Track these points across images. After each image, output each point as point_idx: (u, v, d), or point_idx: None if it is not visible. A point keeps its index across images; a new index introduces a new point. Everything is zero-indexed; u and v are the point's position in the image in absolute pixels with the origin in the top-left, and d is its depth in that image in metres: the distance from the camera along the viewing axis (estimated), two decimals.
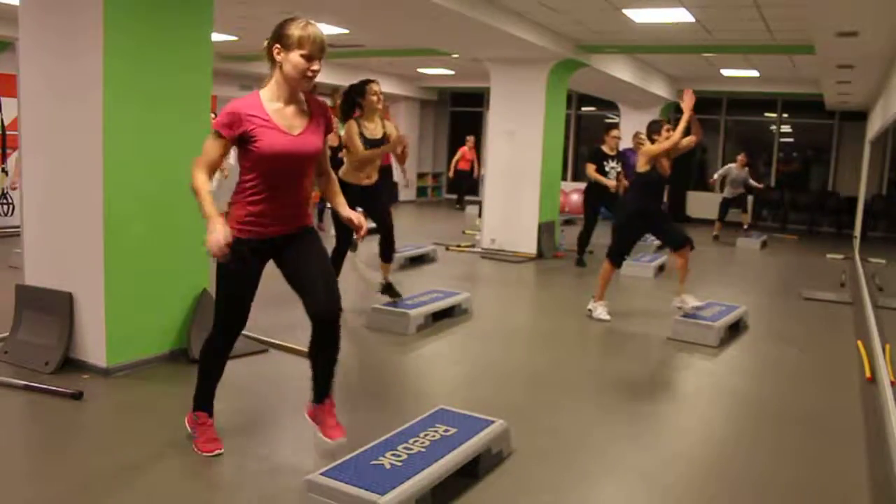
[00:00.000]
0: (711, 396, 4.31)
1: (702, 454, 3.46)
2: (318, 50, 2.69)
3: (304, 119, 2.81)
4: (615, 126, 8.42)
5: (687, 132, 5.58)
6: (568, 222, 12.93)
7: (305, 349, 4.43)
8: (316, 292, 2.84)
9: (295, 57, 2.67)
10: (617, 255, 5.77)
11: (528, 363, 4.83)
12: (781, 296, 7.39)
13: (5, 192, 9.15)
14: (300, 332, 4.53)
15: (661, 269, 8.23)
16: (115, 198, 3.88)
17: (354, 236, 3.07)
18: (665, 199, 5.72)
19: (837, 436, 3.69)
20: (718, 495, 3.00)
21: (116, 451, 3.10)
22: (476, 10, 6.50)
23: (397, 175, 10.76)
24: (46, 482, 2.82)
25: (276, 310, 5.46)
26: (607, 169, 8.10)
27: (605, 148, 8.17)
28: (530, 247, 9.03)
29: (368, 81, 5.24)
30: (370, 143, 5.19)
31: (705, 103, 14.81)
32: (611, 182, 8.01)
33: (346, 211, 3.01)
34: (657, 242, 9.89)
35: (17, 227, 4.75)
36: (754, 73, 11.77)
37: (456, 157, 14.56)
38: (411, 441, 2.90)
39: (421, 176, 17.16)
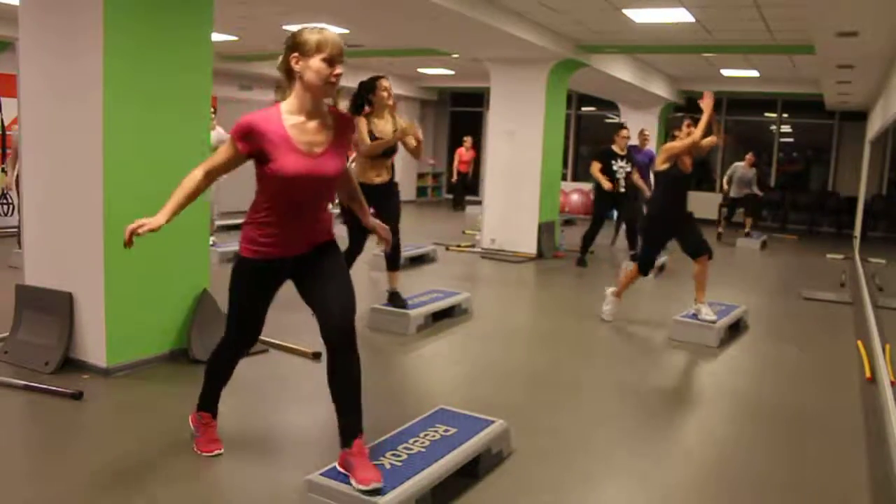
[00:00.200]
0: (711, 396, 4.31)
1: (702, 454, 3.46)
2: (338, 53, 2.56)
3: (326, 136, 2.64)
4: (624, 126, 8.41)
5: (708, 132, 5.45)
6: (568, 222, 12.94)
7: (305, 349, 4.47)
8: (329, 308, 2.66)
9: (316, 62, 2.53)
10: (645, 264, 5.57)
11: (528, 363, 4.82)
12: (781, 296, 7.39)
13: (5, 192, 9.15)
14: (300, 332, 4.55)
15: (661, 269, 8.23)
16: (115, 198, 3.88)
17: (379, 247, 2.99)
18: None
19: (837, 436, 3.69)
20: (718, 495, 3.00)
21: (116, 451, 3.10)
22: (476, 10, 6.50)
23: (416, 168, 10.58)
24: (46, 482, 2.82)
25: (277, 310, 5.44)
26: (615, 168, 8.10)
27: (615, 148, 8.18)
28: (530, 247, 9.03)
29: (378, 77, 5.16)
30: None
31: None
32: (607, 183, 8.04)
33: (372, 222, 3.03)
34: None
35: (17, 227, 4.75)
36: (754, 73, 11.77)
37: (455, 161, 14.56)
38: (411, 441, 2.90)
39: (421, 176, 17.16)
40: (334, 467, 2.65)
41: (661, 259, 8.36)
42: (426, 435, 2.97)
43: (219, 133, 8.02)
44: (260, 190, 2.68)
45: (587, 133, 16.50)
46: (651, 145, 10.22)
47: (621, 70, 10.36)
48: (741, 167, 11.25)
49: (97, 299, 3.91)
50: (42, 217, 4.16)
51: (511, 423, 3.25)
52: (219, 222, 8.71)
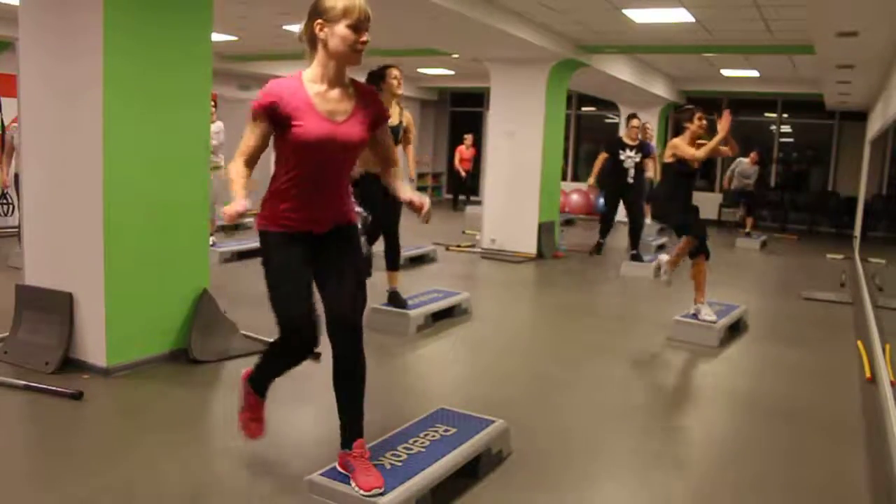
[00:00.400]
0: (711, 396, 4.31)
1: (701, 454, 3.46)
2: (365, 18, 2.45)
3: (348, 105, 2.54)
4: (635, 115, 8.44)
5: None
6: (568, 222, 12.94)
7: None
8: (339, 294, 2.58)
9: (342, 29, 2.42)
10: (698, 249, 5.39)
11: (528, 363, 4.82)
12: (781, 296, 7.39)
13: (5, 192, 9.14)
14: None
15: (660, 268, 8.22)
16: (115, 198, 3.88)
17: (419, 216, 2.67)
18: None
19: (837, 436, 3.69)
20: (718, 495, 3.00)
21: (116, 450, 3.10)
22: (476, 10, 6.50)
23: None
24: (46, 482, 2.82)
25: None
26: (622, 158, 8.13)
27: (625, 138, 8.23)
28: (530, 247, 9.03)
29: (389, 66, 5.19)
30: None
31: (706, 103, 14.81)
32: (590, 179, 8.38)
33: (406, 193, 2.70)
34: (657, 242, 9.91)
35: (17, 226, 4.75)
36: (754, 73, 11.77)
37: (456, 159, 14.53)
38: (411, 441, 2.90)
39: (421, 176, 17.14)
40: (334, 467, 2.65)
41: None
42: (426, 435, 2.97)
43: (218, 126, 8.01)
44: (280, 160, 2.56)
45: (587, 133, 16.50)
46: (652, 143, 10.23)
47: (621, 70, 10.36)
48: (744, 163, 11.29)
49: (97, 299, 3.91)
50: (42, 217, 4.16)
51: (511, 423, 3.24)
52: (219, 222, 8.70)
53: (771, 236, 12.18)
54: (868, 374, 4.63)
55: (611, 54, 9.68)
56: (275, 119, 2.47)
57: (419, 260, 8.18)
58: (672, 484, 3.08)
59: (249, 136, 2.51)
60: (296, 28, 2.60)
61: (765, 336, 5.70)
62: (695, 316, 5.37)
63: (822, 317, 6.49)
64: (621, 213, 8.73)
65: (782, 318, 6.43)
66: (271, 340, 2.79)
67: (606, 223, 8.71)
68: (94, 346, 3.98)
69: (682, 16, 7.03)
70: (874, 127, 10.42)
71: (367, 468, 2.55)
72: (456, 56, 10.51)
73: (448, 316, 5.62)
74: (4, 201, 9.33)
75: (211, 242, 6.29)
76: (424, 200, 2.64)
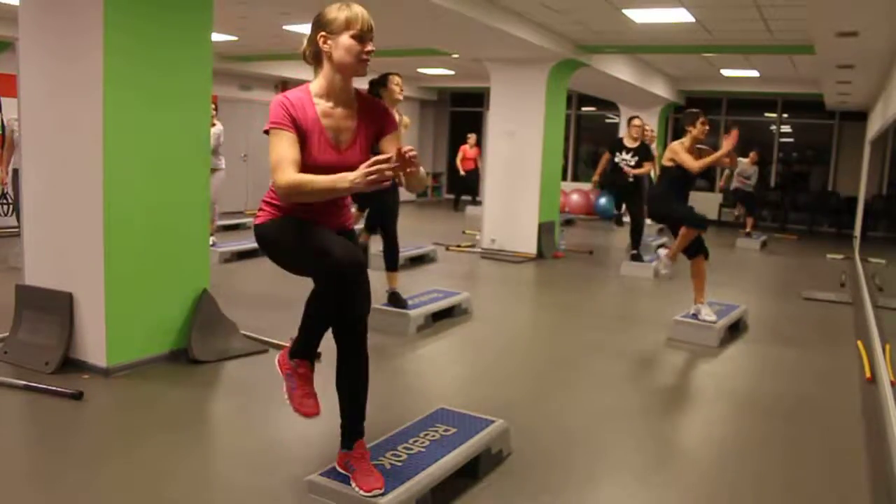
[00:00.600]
0: (711, 396, 4.31)
1: (701, 454, 3.46)
2: (368, 29, 2.45)
3: (352, 124, 2.53)
4: (637, 116, 8.44)
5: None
6: (568, 222, 12.94)
7: None
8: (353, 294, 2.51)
9: (346, 40, 2.42)
10: (696, 249, 5.38)
11: (528, 363, 4.83)
12: (781, 296, 7.39)
13: (5, 192, 9.15)
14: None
15: (661, 263, 8.22)
16: (115, 198, 3.88)
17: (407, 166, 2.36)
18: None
19: (837, 435, 3.69)
20: (718, 495, 3.00)
21: (116, 451, 3.10)
22: (476, 10, 6.50)
23: None
24: (46, 482, 2.82)
25: (277, 310, 5.47)
26: (617, 160, 8.14)
27: (624, 139, 8.23)
28: (530, 247, 9.03)
29: (391, 74, 5.23)
30: None
31: (705, 103, 14.82)
32: (594, 177, 8.31)
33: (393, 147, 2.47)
34: (657, 242, 9.91)
35: (17, 227, 4.75)
36: (754, 73, 11.77)
37: (459, 157, 14.48)
38: (411, 441, 2.90)
39: None
40: (334, 467, 2.65)
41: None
42: (426, 435, 2.97)
43: (219, 129, 8.02)
44: None
45: (587, 133, 16.50)
46: (653, 145, 10.23)
47: (621, 70, 10.36)
48: (744, 163, 11.28)
49: (97, 299, 3.92)
50: (42, 217, 4.16)
51: (511, 423, 3.25)
52: (219, 222, 8.71)
53: (771, 236, 12.18)
54: (868, 374, 4.63)
55: (611, 54, 9.68)
56: (296, 128, 2.41)
57: (419, 260, 8.18)
58: (672, 484, 3.08)
59: (285, 147, 2.36)
60: (296, 28, 2.59)
61: (765, 336, 5.70)
62: (695, 316, 5.37)
63: (822, 317, 6.49)
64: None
65: (782, 318, 6.43)
66: (308, 298, 2.66)
67: (635, 226, 8.34)
68: (94, 346, 3.98)
69: (682, 16, 7.03)
70: (874, 127, 10.42)
71: (367, 469, 2.56)
72: (456, 56, 10.51)
73: (448, 316, 5.62)
74: (5, 201, 9.33)
75: (211, 242, 6.29)
76: (411, 149, 2.36)
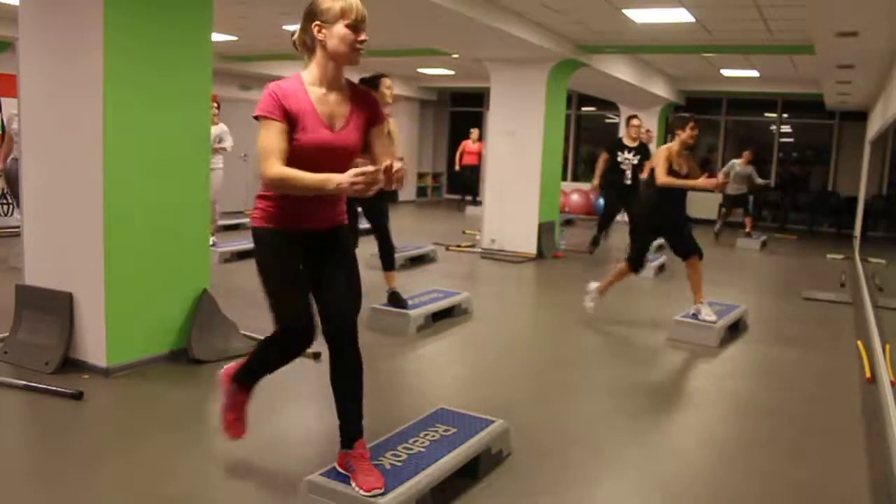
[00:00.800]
0: (711, 397, 4.31)
1: (702, 454, 3.46)
2: (362, 19, 2.48)
3: (346, 109, 2.56)
4: (635, 116, 8.44)
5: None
6: (568, 222, 12.93)
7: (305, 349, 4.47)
8: (333, 304, 2.59)
9: (341, 29, 2.44)
10: (636, 262, 5.59)
11: (528, 363, 4.83)
12: (781, 296, 7.39)
13: (5, 192, 9.15)
14: None
15: (661, 269, 8.24)
16: (115, 198, 3.88)
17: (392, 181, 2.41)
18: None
19: (837, 436, 3.69)
20: (718, 495, 3.00)
21: (116, 451, 3.10)
22: (476, 10, 6.50)
23: None
24: (46, 482, 2.82)
25: None
26: (620, 160, 8.13)
27: (624, 139, 8.22)
28: (530, 247, 9.03)
29: (382, 75, 5.19)
30: None
31: (705, 103, 14.82)
32: (595, 180, 8.28)
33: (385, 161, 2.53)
34: (657, 242, 9.88)
35: (17, 227, 4.75)
36: (754, 73, 11.76)
37: (459, 151, 14.39)
38: (411, 441, 2.90)
39: (421, 176, 17.15)
40: (334, 467, 2.65)
41: (661, 259, 8.38)
42: (426, 435, 2.97)
43: (221, 129, 8.04)
44: None
45: (587, 133, 16.50)
46: (652, 145, 10.24)
47: (621, 70, 10.35)
48: (738, 164, 11.24)
49: (97, 299, 3.92)
50: (42, 217, 4.16)
51: (511, 423, 3.25)
52: (219, 222, 8.71)
53: (771, 236, 12.18)
54: (868, 374, 4.63)
55: (611, 54, 9.68)
56: (287, 121, 2.44)
57: (419, 260, 8.18)
58: (672, 484, 3.08)
59: (271, 139, 2.41)
60: (296, 28, 2.60)
61: (765, 336, 5.70)
62: (695, 316, 5.37)
63: (822, 317, 6.49)
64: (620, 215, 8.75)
65: (782, 318, 6.43)
66: (264, 337, 2.79)
67: (605, 219, 8.75)
68: (94, 346, 3.98)
69: (682, 16, 7.03)
70: (874, 127, 10.42)
71: (367, 468, 2.56)
72: (456, 56, 10.51)
73: (448, 316, 5.62)
74: (5, 201, 9.33)
75: (211, 242, 6.29)
76: (402, 166, 2.42)
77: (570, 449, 3.35)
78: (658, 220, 5.53)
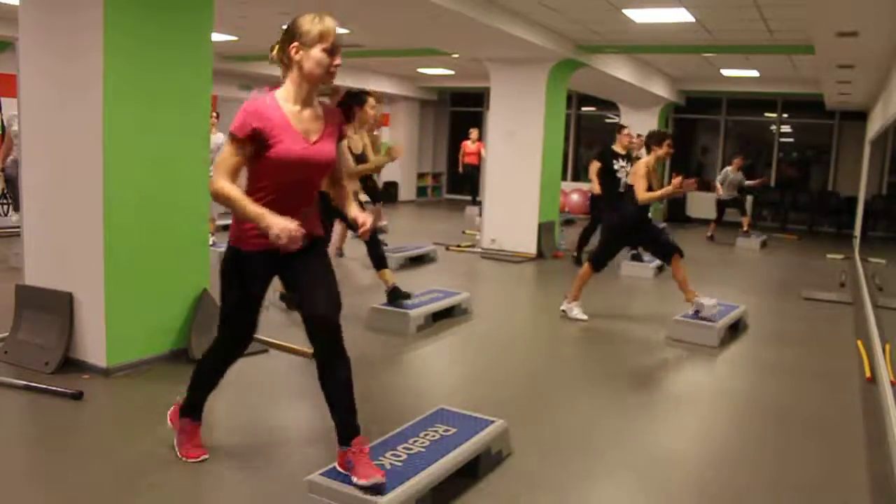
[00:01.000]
0: (711, 396, 4.31)
1: (702, 454, 3.46)
2: (338, 43, 2.58)
3: (319, 125, 2.65)
4: (624, 126, 8.41)
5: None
6: (568, 222, 12.93)
7: (305, 349, 4.47)
8: (314, 296, 2.64)
9: (317, 53, 2.54)
10: (600, 263, 5.75)
11: (528, 363, 4.83)
12: (781, 296, 7.39)
13: (5, 192, 9.14)
14: (299, 332, 4.54)
15: (660, 269, 8.23)
16: (115, 198, 3.88)
17: (357, 233, 2.81)
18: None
19: (837, 436, 3.69)
20: (718, 495, 3.00)
21: (116, 450, 3.10)
22: (476, 10, 6.50)
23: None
24: (46, 482, 2.82)
25: (276, 310, 5.46)
26: (616, 168, 8.11)
27: (616, 147, 8.18)
28: (530, 247, 9.03)
29: (370, 95, 5.16)
30: (353, 158, 5.17)
31: (705, 103, 14.83)
32: (597, 188, 8.18)
33: (353, 211, 2.83)
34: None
35: (17, 227, 4.75)
36: (754, 73, 11.77)
37: (460, 153, 14.36)
38: (411, 441, 2.90)
39: (421, 176, 17.15)
40: (334, 467, 2.65)
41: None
42: (426, 435, 2.97)
43: (220, 138, 8.01)
44: (252, 178, 2.64)
45: (587, 133, 16.50)
46: (642, 151, 10.21)
47: (621, 70, 10.35)
48: (729, 171, 11.43)
49: (97, 299, 3.91)
50: (42, 217, 4.16)
51: (511, 423, 3.25)
52: (219, 222, 8.70)
53: (771, 236, 12.18)
54: (868, 374, 4.63)
55: (611, 54, 9.68)
56: (252, 136, 2.54)
57: (419, 260, 8.18)
58: (672, 484, 3.08)
59: (232, 157, 2.56)
60: (275, 43, 2.64)
61: (765, 336, 5.70)
62: (696, 314, 5.37)
63: (822, 317, 6.49)
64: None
65: (782, 318, 6.43)
66: (202, 353, 3.01)
67: (588, 233, 8.53)
68: (94, 346, 3.98)
69: (682, 16, 7.03)
70: (874, 127, 10.42)
71: (366, 462, 2.57)
72: (456, 56, 10.51)
73: (448, 316, 5.62)
74: (5, 201, 9.33)
75: (211, 242, 6.29)
76: (367, 219, 2.78)
77: (571, 448, 3.35)
78: (629, 227, 5.69)
